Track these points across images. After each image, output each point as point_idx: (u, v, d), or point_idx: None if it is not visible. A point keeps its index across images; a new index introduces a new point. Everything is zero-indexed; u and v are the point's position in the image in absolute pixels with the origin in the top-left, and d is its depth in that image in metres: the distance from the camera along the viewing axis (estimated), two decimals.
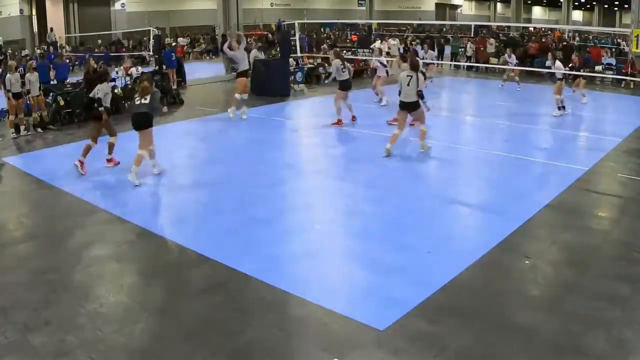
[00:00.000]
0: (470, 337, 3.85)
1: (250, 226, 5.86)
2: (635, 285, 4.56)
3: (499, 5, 54.19)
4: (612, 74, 17.09)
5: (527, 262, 5.03)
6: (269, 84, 14.56)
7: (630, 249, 5.28)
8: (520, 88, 15.56)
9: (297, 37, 18.11)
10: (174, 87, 15.33)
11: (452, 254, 5.18)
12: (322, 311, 4.19)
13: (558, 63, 12.25)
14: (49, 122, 11.12)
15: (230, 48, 11.53)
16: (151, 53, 19.11)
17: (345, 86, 10.77)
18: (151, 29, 20.81)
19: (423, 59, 14.99)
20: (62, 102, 11.47)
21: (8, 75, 10.38)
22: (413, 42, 22.59)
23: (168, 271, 4.99)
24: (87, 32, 27.11)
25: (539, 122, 11.63)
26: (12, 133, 10.44)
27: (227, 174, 7.92)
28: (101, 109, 7.92)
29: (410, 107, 8.31)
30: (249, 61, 12.48)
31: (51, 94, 11.64)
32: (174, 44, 23.54)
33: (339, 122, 10.68)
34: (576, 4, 51.86)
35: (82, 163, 7.85)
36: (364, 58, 18.38)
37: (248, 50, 18.30)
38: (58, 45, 24.67)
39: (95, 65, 11.02)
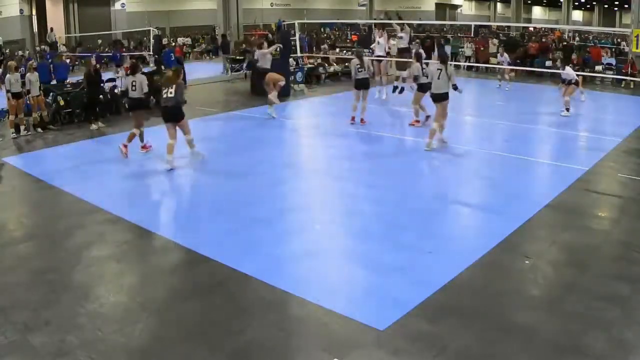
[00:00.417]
0: (470, 337, 3.86)
1: (250, 226, 5.86)
2: (635, 285, 4.56)
3: (499, 5, 54.17)
4: (612, 74, 17.09)
5: (527, 262, 5.03)
6: None
7: (630, 249, 5.28)
8: (509, 88, 15.57)
9: (297, 37, 18.09)
10: None
11: (452, 254, 5.18)
12: (322, 311, 4.19)
13: (568, 68, 12.24)
14: (49, 122, 11.12)
15: (259, 47, 12.73)
16: (150, 53, 19.10)
17: (356, 85, 10.73)
18: (151, 29, 20.80)
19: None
20: (62, 102, 11.47)
21: (8, 75, 10.39)
22: (413, 42, 22.54)
23: (168, 271, 5.00)
24: (87, 32, 27.07)
25: (538, 121, 11.63)
26: (12, 133, 10.44)
27: (227, 174, 7.92)
28: (151, 98, 8.68)
29: (441, 98, 8.73)
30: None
31: (51, 94, 11.63)
32: (173, 43, 23.54)
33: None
34: (576, 4, 51.85)
35: (125, 147, 8.45)
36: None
37: (250, 50, 18.34)
38: (58, 45, 24.64)
39: (98, 65, 11.05)
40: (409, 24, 15.74)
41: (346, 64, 19.09)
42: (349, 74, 18.44)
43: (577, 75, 13.39)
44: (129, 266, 5.12)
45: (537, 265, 4.99)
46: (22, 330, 3.96)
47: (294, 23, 18.70)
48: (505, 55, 16.47)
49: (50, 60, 15.45)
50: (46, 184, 7.48)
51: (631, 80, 16.10)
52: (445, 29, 36.36)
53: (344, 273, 4.90)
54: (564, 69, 12.35)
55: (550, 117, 11.79)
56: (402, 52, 13.94)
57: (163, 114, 7.79)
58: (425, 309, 4.22)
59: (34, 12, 26.72)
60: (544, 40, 22.76)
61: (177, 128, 7.84)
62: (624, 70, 16.71)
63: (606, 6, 56.29)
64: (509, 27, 34.28)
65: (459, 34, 29.55)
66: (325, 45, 22.74)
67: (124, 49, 22.77)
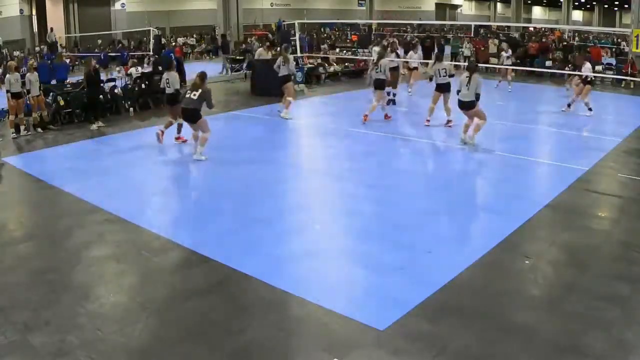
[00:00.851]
0: (470, 337, 3.86)
1: (250, 226, 5.86)
2: (635, 285, 4.56)
3: (499, 5, 54.18)
4: (612, 74, 17.09)
5: (527, 262, 5.03)
6: (269, 83, 14.53)
7: (630, 249, 5.28)
8: (511, 88, 15.52)
9: (297, 37, 18.09)
10: None
11: (452, 254, 5.18)
12: (322, 311, 4.19)
13: (589, 64, 11.97)
14: (49, 122, 11.11)
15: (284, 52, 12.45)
16: (150, 53, 19.09)
17: (375, 85, 10.98)
18: (151, 29, 20.80)
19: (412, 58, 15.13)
20: (62, 102, 11.46)
21: (8, 75, 10.38)
22: (413, 42, 22.56)
23: (168, 271, 5.00)
24: (87, 32, 27.07)
25: (538, 121, 11.63)
26: (12, 133, 10.43)
27: (227, 174, 7.92)
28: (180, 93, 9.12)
29: (467, 106, 9.00)
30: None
31: (51, 94, 11.63)
32: (173, 43, 23.53)
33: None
34: (576, 4, 51.84)
35: (162, 133, 9.09)
36: (364, 58, 18.37)
37: (251, 50, 18.24)
38: (58, 45, 24.62)
39: (97, 65, 11.06)
40: (409, 24, 15.77)
41: (346, 64, 19.12)
42: (349, 74, 18.55)
43: (573, 74, 13.39)
44: (129, 266, 5.12)
45: (537, 265, 4.99)
46: (22, 330, 3.96)
47: (294, 23, 18.71)
48: (510, 51, 16.42)
49: (50, 61, 15.45)
50: (46, 184, 7.48)
51: (631, 80, 16.10)
52: (445, 29, 36.37)
53: (344, 273, 4.89)
54: (583, 65, 11.93)
55: (550, 117, 11.79)
56: (392, 70, 13.65)
57: (182, 114, 8.45)
58: (425, 308, 4.21)
59: (34, 12, 26.73)
60: (544, 40, 22.77)
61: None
62: (624, 70, 16.71)
63: (606, 6, 56.29)
64: (509, 27, 34.31)
65: (459, 34, 29.57)
66: (325, 45, 22.75)
67: (127, 49, 22.80)
